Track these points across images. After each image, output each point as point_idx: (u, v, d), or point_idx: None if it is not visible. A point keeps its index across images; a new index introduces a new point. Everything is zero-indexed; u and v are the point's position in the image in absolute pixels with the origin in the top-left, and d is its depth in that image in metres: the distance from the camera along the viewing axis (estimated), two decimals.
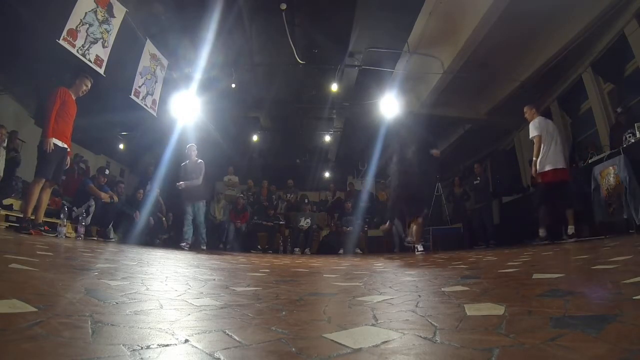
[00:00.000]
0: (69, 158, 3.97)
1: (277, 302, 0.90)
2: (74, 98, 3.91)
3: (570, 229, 4.07)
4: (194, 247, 5.21)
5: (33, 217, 3.69)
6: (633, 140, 4.02)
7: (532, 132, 4.37)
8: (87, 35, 4.11)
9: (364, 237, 7.50)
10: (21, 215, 3.88)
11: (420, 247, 4.39)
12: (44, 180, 3.65)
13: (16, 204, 4.92)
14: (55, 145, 3.64)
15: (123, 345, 0.47)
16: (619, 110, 5.07)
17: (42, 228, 3.84)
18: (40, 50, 4.70)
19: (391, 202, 4.43)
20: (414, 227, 4.23)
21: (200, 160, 5.32)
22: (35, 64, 5.23)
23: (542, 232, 4.22)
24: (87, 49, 4.14)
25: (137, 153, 9.35)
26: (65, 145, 3.81)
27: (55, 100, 3.65)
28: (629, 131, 4.25)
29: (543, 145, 4.25)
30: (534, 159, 4.30)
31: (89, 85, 3.99)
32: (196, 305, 0.79)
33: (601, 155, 4.31)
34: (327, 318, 0.70)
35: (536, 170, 4.26)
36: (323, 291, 1.18)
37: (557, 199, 4.18)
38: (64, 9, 3.92)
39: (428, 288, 1.13)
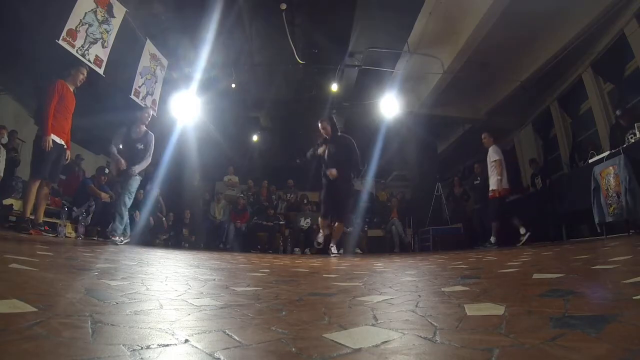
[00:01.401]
0: (68, 152, 3.84)
1: (277, 302, 0.90)
2: (72, 90, 3.80)
3: (493, 239, 5.07)
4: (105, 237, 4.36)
5: (32, 217, 3.68)
6: (633, 140, 4.02)
7: (495, 156, 5.16)
8: (87, 35, 4.11)
9: (364, 237, 7.51)
10: (21, 215, 3.88)
11: (334, 249, 4.32)
12: (40, 179, 3.59)
13: (16, 203, 4.92)
14: (52, 142, 3.53)
15: (123, 345, 0.47)
16: (617, 112, 5.11)
17: (42, 228, 3.82)
18: (40, 51, 4.70)
19: (322, 199, 4.42)
20: (336, 226, 4.20)
21: (150, 133, 4.45)
22: (35, 64, 5.24)
23: (493, 239, 5.08)
24: (87, 49, 4.14)
25: None
26: (63, 142, 3.71)
27: (53, 95, 3.54)
28: (631, 131, 4.27)
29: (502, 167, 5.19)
30: (498, 177, 5.10)
31: (85, 74, 3.88)
32: (196, 305, 0.79)
33: (601, 155, 4.31)
34: (327, 318, 0.70)
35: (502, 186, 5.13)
36: (323, 291, 1.18)
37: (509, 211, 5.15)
38: (63, 9, 3.91)
39: (428, 288, 1.13)
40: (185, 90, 6.44)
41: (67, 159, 3.92)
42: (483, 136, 5.45)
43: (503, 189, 5.09)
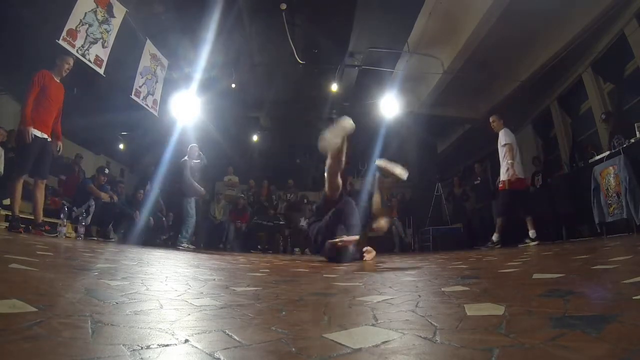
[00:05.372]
0: (59, 144, 3.73)
1: (277, 302, 0.90)
2: (57, 80, 3.68)
3: (532, 234, 4.43)
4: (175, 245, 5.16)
5: (28, 217, 3.66)
6: (627, 144, 4.05)
7: (505, 139, 4.63)
8: (87, 35, 4.12)
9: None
10: (22, 216, 3.87)
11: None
12: (22, 176, 3.49)
13: None
14: (34, 136, 3.41)
15: (123, 345, 0.47)
16: (602, 116, 5.13)
17: (43, 228, 3.80)
18: (40, 51, 4.70)
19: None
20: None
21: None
22: (35, 64, 5.24)
23: (496, 237, 4.58)
24: (87, 49, 4.14)
25: (137, 153, 9.36)
26: (45, 135, 3.57)
27: (33, 86, 3.42)
28: (616, 136, 4.32)
29: (515, 153, 4.61)
30: (509, 161, 4.52)
31: (71, 63, 3.77)
32: (196, 305, 0.79)
33: (601, 155, 4.31)
34: (327, 318, 0.70)
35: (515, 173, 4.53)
36: (323, 291, 1.18)
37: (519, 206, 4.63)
38: (63, 9, 3.92)
39: (428, 288, 1.13)
40: (185, 90, 6.45)
41: (59, 151, 3.79)
42: (492, 119, 4.83)
43: (516, 179, 4.45)
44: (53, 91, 3.60)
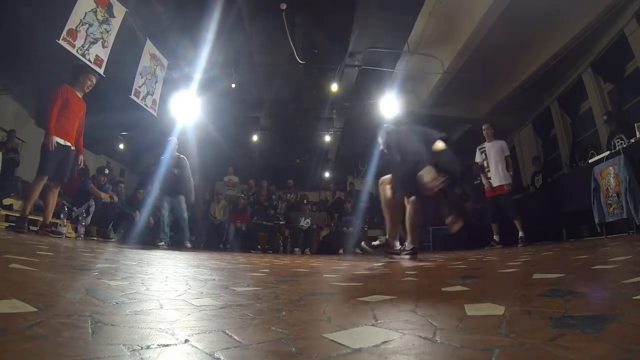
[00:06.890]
0: (80, 157, 3.94)
1: (277, 302, 0.90)
2: (80, 96, 3.87)
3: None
4: (177, 245, 5.17)
5: (43, 218, 3.71)
6: (627, 144, 4.05)
7: (507, 150, 5.21)
8: (87, 35, 4.11)
9: (364, 237, 7.50)
10: (20, 215, 3.89)
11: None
12: (44, 177, 3.61)
13: (16, 203, 4.93)
14: (57, 143, 3.62)
15: (123, 345, 0.47)
16: (604, 117, 5.16)
17: (49, 229, 3.86)
18: (40, 50, 4.70)
19: None
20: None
21: (182, 156, 5.32)
22: (35, 64, 5.24)
23: (522, 234, 4.92)
24: (87, 49, 4.14)
25: (137, 153, 9.36)
26: (69, 144, 3.77)
27: (57, 98, 3.63)
28: (618, 136, 4.33)
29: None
30: (511, 173, 5.15)
31: (94, 81, 3.97)
32: (196, 305, 0.79)
33: (601, 155, 4.31)
34: (327, 318, 0.70)
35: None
36: (323, 291, 1.18)
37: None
38: (63, 9, 3.92)
39: (428, 288, 1.12)
40: (185, 90, 6.44)
41: (79, 164, 3.99)
42: (485, 127, 5.34)
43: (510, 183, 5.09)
44: (75, 105, 3.80)
